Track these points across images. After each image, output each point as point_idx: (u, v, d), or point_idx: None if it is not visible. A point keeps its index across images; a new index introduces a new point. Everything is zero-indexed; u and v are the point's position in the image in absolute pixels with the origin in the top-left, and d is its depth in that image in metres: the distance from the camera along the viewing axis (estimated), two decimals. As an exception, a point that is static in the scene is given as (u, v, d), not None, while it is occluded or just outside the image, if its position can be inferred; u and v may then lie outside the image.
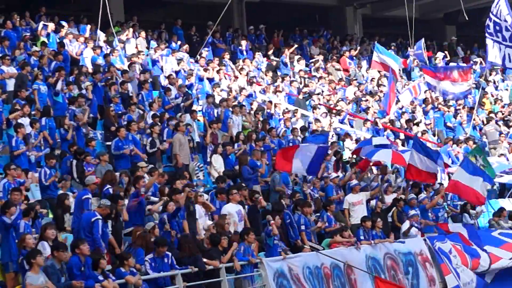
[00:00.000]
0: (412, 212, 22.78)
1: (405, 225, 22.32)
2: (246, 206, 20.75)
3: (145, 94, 27.01)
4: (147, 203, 19.47)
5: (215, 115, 27.23)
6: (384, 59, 32.72)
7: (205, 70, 30.73)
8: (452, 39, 45.97)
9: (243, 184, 21.82)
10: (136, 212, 18.49)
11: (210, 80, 30.48)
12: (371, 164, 24.43)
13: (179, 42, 33.61)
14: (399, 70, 34.53)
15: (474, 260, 22.57)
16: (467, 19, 37.77)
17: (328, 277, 19.33)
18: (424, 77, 34.57)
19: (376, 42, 36.28)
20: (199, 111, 27.50)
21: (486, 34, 27.80)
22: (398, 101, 33.45)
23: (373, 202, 23.06)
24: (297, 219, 20.34)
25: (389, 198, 23.48)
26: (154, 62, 30.44)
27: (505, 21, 26.81)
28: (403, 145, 29.14)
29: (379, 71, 34.88)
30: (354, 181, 23.49)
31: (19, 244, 15.91)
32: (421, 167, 22.29)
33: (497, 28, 27.21)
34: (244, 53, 35.67)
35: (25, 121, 22.07)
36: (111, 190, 19.15)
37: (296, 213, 20.58)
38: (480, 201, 23.26)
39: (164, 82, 29.12)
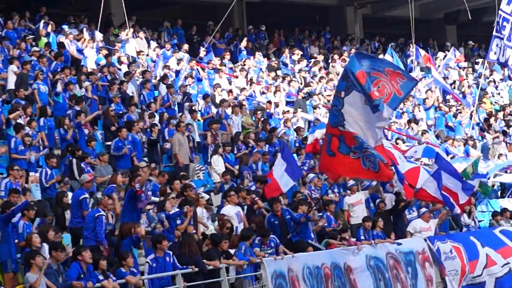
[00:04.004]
0: (423, 210, 22.84)
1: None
2: (245, 207, 20.75)
3: (146, 94, 27.02)
4: (147, 203, 19.48)
5: (214, 115, 27.23)
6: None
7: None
8: (469, 43, 45.92)
9: (241, 186, 21.75)
10: (132, 210, 18.43)
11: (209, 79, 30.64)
12: None
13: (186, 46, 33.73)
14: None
15: (472, 263, 22.45)
16: (470, 18, 37.85)
17: (328, 277, 19.29)
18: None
19: (390, 46, 36.32)
20: (199, 111, 27.52)
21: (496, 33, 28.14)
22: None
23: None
24: (299, 218, 20.27)
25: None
26: (154, 62, 30.54)
27: None
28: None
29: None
30: (351, 182, 23.39)
31: (25, 243, 15.91)
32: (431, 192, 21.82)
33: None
34: (244, 53, 35.64)
35: (25, 121, 22.07)
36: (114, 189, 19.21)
37: (298, 212, 20.53)
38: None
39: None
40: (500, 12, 29.58)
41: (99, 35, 30.61)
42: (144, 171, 19.44)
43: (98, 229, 16.99)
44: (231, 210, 19.84)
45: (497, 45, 29.66)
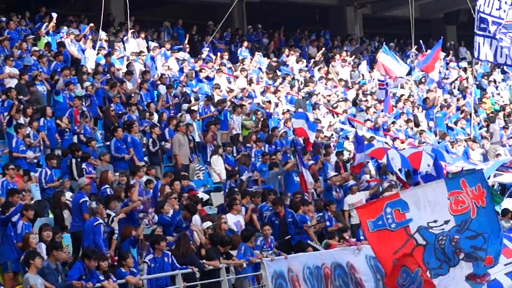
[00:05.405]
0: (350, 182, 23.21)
1: None
2: (243, 208, 20.76)
3: (144, 94, 26.99)
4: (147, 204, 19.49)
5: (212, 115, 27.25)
6: (389, 63, 32.78)
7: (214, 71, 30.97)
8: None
9: (236, 189, 21.78)
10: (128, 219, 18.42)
11: (209, 79, 30.57)
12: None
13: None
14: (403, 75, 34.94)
15: None
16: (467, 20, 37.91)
17: (328, 277, 19.29)
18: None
19: (384, 44, 36.34)
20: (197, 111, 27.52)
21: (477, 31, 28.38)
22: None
23: None
24: (299, 218, 20.30)
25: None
26: (154, 62, 30.52)
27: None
28: None
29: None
30: (351, 182, 23.39)
31: (22, 244, 15.90)
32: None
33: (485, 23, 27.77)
34: (244, 53, 35.62)
35: (26, 121, 22.04)
36: (108, 191, 19.14)
37: (298, 213, 20.53)
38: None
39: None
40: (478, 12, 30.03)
41: (103, 34, 30.61)
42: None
43: (97, 238, 16.82)
44: (230, 219, 19.76)
45: (478, 43, 30.06)
